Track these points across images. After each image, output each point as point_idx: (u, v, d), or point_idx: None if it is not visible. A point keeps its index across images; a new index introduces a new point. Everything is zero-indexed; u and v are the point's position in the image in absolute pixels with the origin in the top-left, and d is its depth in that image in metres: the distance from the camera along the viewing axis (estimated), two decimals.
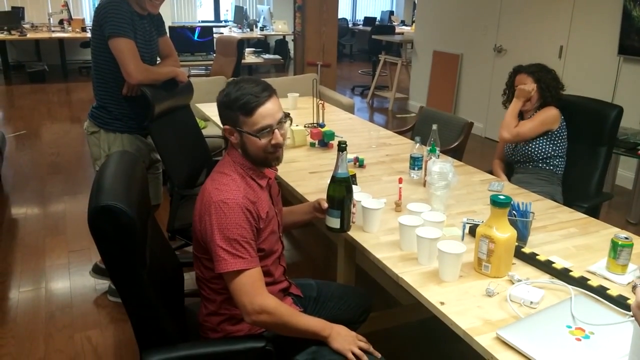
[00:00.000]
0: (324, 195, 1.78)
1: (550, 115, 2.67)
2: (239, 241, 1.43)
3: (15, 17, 8.75)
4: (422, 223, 1.72)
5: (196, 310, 1.73)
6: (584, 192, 2.66)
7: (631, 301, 0.95)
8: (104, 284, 2.92)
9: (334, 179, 1.70)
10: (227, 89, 1.51)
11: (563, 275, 1.53)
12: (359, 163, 2.59)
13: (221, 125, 1.59)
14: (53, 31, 8.86)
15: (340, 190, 1.70)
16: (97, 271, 2.93)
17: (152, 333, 1.46)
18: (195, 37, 6.73)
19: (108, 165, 1.53)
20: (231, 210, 1.43)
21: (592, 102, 2.80)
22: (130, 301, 1.41)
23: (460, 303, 1.44)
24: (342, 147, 1.67)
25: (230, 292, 1.47)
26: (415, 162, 2.43)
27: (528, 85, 2.68)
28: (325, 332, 1.52)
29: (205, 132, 4.06)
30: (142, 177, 1.63)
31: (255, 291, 1.44)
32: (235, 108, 1.48)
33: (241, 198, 1.46)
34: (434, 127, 2.44)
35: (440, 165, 2.03)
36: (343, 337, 1.53)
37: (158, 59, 2.73)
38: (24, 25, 8.78)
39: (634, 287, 0.80)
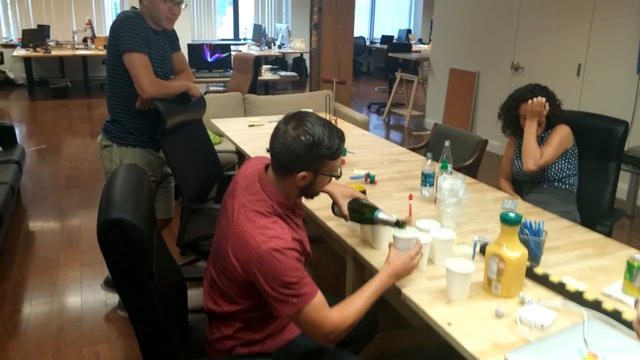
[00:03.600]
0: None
1: (565, 135, 2.61)
2: (297, 282, 1.37)
3: (40, 34, 8.96)
4: (416, 236, 1.66)
5: (199, 328, 1.70)
6: (597, 209, 2.60)
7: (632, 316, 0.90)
8: (114, 298, 2.92)
9: (373, 217, 1.73)
10: (312, 133, 1.42)
11: (576, 297, 1.48)
12: (370, 179, 2.57)
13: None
14: (77, 48, 9.04)
15: (363, 220, 1.78)
16: (108, 284, 2.94)
17: (158, 349, 1.44)
18: (209, 59, 6.78)
19: (116, 178, 1.53)
20: (285, 256, 1.36)
21: (599, 119, 2.76)
22: (138, 315, 1.40)
23: (469, 324, 1.40)
24: (399, 224, 1.67)
25: (298, 326, 1.46)
26: (427, 179, 2.39)
27: (534, 105, 2.56)
28: (389, 284, 1.54)
29: (219, 147, 4.08)
30: (149, 190, 1.63)
31: (321, 321, 1.40)
32: (324, 153, 1.44)
33: (290, 241, 1.40)
34: (447, 143, 2.41)
35: (450, 182, 2.00)
36: (405, 273, 1.57)
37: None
38: (49, 43, 8.98)
39: (636, 303, 0.76)
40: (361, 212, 1.76)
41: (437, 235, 1.73)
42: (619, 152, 2.65)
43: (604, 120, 2.72)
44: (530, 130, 2.59)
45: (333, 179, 1.57)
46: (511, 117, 2.74)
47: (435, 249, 1.72)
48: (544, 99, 2.57)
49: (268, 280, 1.36)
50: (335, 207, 1.84)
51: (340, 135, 1.49)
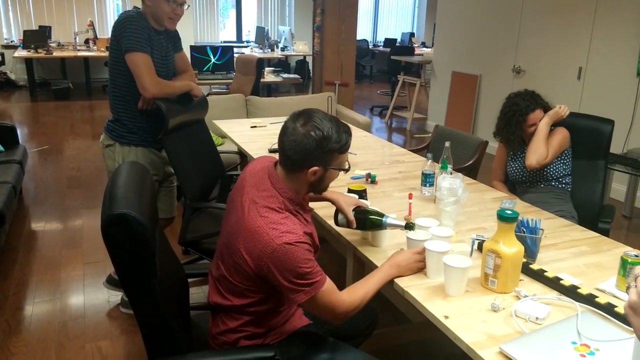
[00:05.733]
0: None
1: (564, 137, 2.65)
2: (310, 272, 1.43)
3: (42, 35, 9.00)
4: (429, 237, 1.72)
5: (200, 323, 1.73)
6: (589, 206, 2.66)
7: None
8: (116, 295, 2.94)
9: (382, 223, 1.78)
10: (321, 129, 1.47)
11: (571, 292, 1.51)
12: (371, 179, 2.59)
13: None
14: (78, 50, 9.08)
15: (372, 227, 1.81)
16: (110, 282, 2.96)
17: (161, 342, 1.46)
18: (214, 59, 6.82)
19: (119, 174, 1.55)
20: (298, 249, 1.41)
21: (587, 119, 2.81)
22: (141, 309, 1.42)
23: (465, 317, 1.43)
24: (409, 226, 1.75)
25: (310, 311, 1.54)
26: (427, 179, 2.42)
27: (563, 110, 2.63)
28: (393, 275, 1.62)
29: (221, 148, 4.11)
30: (151, 187, 1.65)
31: (334, 304, 1.49)
32: (334, 147, 1.49)
33: (302, 235, 1.45)
34: (447, 144, 2.44)
35: (449, 181, 2.03)
36: (406, 268, 1.64)
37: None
38: (50, 44, 9.02)
39: (627, 288, 0.79)
40: (368, 219, 1.79)
41: (435, 233, 1.76)
42: (607, 150, 2.71)
43: (592, 120, 2.78)
44: (546, 129, 2.62)
45: (335, 189, 1.68)
46: (516, 129, 2.69)
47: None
48: (568, 110, 2.65)
49: (283, 273, 1.41)
50: (339, 216, 1.85)
51: (347, 130, 1.54)
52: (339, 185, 2.36)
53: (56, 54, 8.81)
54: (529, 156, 2.62)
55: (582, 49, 5.04)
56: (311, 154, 1.47)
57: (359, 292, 1.55)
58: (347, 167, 1.60)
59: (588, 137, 2.72)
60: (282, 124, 1.55)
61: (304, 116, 1.50)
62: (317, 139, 1.46)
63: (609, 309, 1.40)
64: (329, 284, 1.48)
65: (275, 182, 1.52)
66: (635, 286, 0.75)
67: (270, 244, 1.40)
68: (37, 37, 8.86)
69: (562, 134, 2.65)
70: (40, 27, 9.47)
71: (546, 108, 2.68)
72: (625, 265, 1.53)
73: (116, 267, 1.38)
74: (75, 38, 9.17)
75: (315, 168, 1.49)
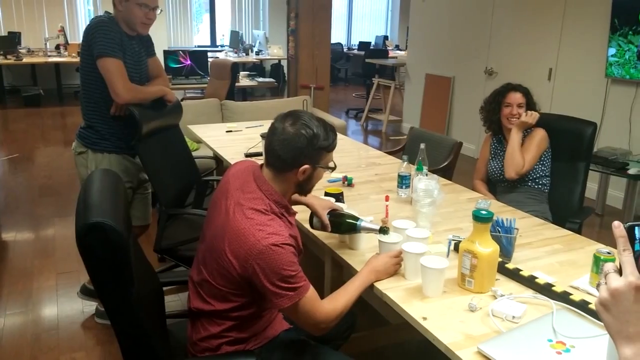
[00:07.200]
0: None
1: (543, 138, 2.69)
2: (294, 275, 1.43)
3: (11, 41, 8.81)
4: (400, 240, 1.72)
5: (176, 331, 1.70)
6: (567, 208, 2.68)
7: None
8: (91, 305, 2.89)
9: (356, 226, 1.78)
10: (311, 127, 1.49)
11: (546, 290, 1.53)
12: (348, 182, 2.60)
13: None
14: (49, 56, 8.90)
15: (347, 230, 1.82)
16: (84, 292, 2.90)
17: (141, 352, 1.44)
18: (175, 66, 6.72)
19: (92, 182, 1.52)
20: (284, 251, 1.41)
21: (569, 121, 2.85)
22: (119, 320, 1.39)
23: (443, 318, 1.44)
24: (383, 230, 1.75)
25: (292, 318, 1.53)
26: (403, 181, 2.43)
27: (529, 117, 2.65)
28: (372, 281, 1.62)
29: (197, 153, 4.08)
30: (124, 195, 1.63)
31: (315, 313, 1.48)
32: (323, 145, 1.53)
33: (287, 237, 1.45)
34: (422, 146, 2.46)
35: (425, 183, 2.04)
36: (384, 272, 1.64)
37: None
38: (20, 50, 8.83)
39: (598, 285, 0.80)
40: (343, 223, 1.80)
41: (412, 234, 1.77)
42: (588, 152, 2.72)
43: (574, 122, 2.81)
44: (517, 138, 2.67)
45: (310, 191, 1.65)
46: (495, 105, 2.79)
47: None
48: (538, 115, 2.67)
49: (267, 275, 1.40)
50: (314, 219, 1.86)
51: (333, 129, 1.58)
52: (316, 189, 2.35)
53: (26, 60, 8.62)
54: (506, 169, 2.68)
55: (551, 50, 5.14)
56: (302, 152, 1.50)
57: (340, 301, 1.54)
58: (333, 165, 1.63)
59: (569, 139, 2.74)
60: (258, 127, 1.55)
61: (292, 116, 1.52)
62: (308, 137, 1.49)
63: (583, 306, 1.42)
64: (312, 292, 1.47)
65: (261, 184, 1.53)
66: (605, 283, 0.77)
67: (257, 245, 1.39)
68: (6, 43, 8.66)
69: (539, 136, 2.69)
70: (9, 33, 9.26)
71: (530, 100, 2.72)
72: (598, 263, 1.55)
73: (92, 277, 1.35)
74: (45, 44, 9.00)
75: (305, 167, 1.51)
